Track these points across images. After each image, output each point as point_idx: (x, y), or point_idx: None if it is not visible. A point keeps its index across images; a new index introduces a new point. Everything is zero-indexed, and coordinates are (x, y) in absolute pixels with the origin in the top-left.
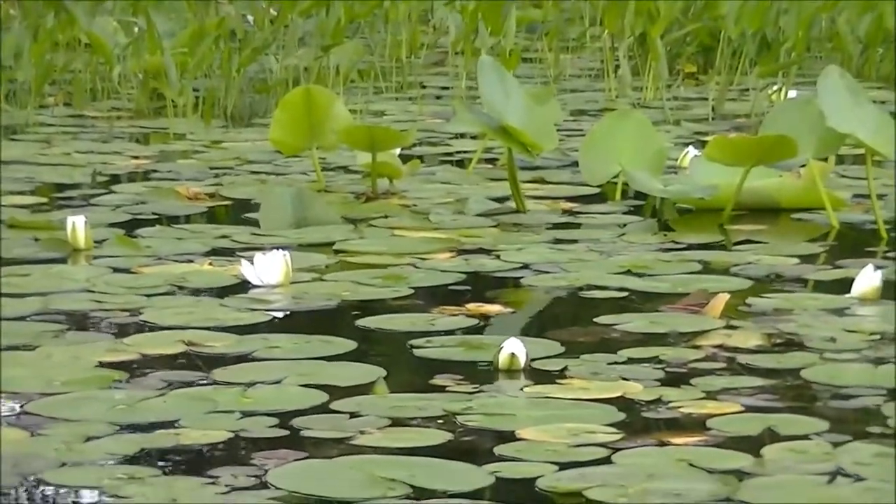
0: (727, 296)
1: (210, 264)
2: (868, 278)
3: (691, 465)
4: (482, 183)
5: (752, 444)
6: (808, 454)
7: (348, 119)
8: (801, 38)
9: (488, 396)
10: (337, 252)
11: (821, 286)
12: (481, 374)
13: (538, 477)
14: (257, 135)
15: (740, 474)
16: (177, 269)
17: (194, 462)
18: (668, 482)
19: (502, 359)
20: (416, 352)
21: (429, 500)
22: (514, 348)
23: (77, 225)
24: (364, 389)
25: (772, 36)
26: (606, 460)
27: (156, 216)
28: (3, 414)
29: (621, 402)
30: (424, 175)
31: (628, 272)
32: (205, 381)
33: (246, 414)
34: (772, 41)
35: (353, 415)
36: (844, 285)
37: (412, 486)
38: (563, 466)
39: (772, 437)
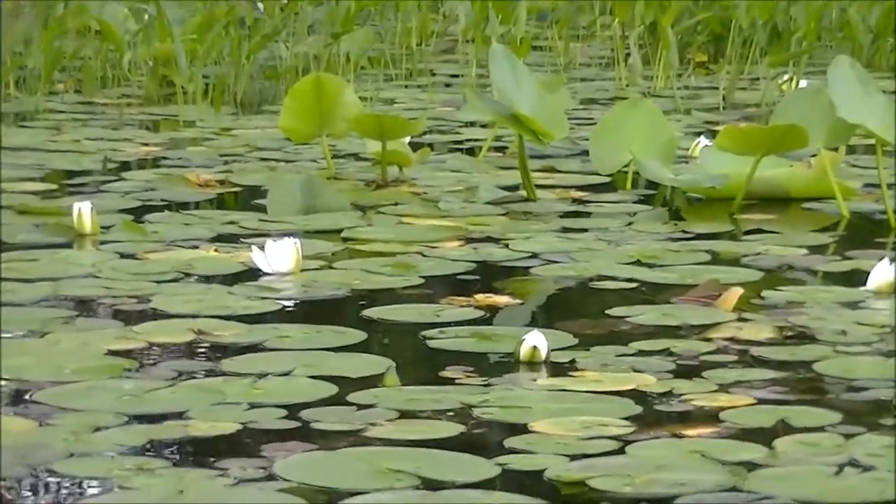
0: (741, 290)
1: (215, 250)
2: (883, 272)
3: (703, 455)
4: (492, 171)
5: (764, 437)
6: (819, 446)
7: (358, 107)
8: (811, 28)
9: (504, 389)
10: (345, 240)
11: (831, 277)
12: (497, 366)
13: (545, 469)
14: (267, 122)
15: (751, 466)
16: (183, 256)
17: (203, 454)
18: (677, 473)
19: (524, 351)
20: (430, 343)
21: (437, 491)
22: (536, 341)
23: (83, 211)
24: (376, 381)
25: (782, 25)
26: (619, 452)
27: (165, 203)
28: (12, 403)
29: (634, 395)
30: (434, 163)
31: (637, 262)
32: (214, 372)
33: (256, 406)
34: (782, 30)
35: (366, 407)
36: (854, 277)
37: (419, 478)
38: (574, 458)
39: (784, 429)
